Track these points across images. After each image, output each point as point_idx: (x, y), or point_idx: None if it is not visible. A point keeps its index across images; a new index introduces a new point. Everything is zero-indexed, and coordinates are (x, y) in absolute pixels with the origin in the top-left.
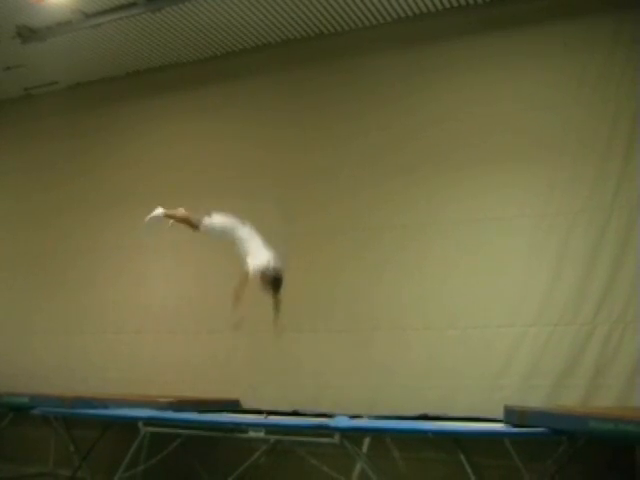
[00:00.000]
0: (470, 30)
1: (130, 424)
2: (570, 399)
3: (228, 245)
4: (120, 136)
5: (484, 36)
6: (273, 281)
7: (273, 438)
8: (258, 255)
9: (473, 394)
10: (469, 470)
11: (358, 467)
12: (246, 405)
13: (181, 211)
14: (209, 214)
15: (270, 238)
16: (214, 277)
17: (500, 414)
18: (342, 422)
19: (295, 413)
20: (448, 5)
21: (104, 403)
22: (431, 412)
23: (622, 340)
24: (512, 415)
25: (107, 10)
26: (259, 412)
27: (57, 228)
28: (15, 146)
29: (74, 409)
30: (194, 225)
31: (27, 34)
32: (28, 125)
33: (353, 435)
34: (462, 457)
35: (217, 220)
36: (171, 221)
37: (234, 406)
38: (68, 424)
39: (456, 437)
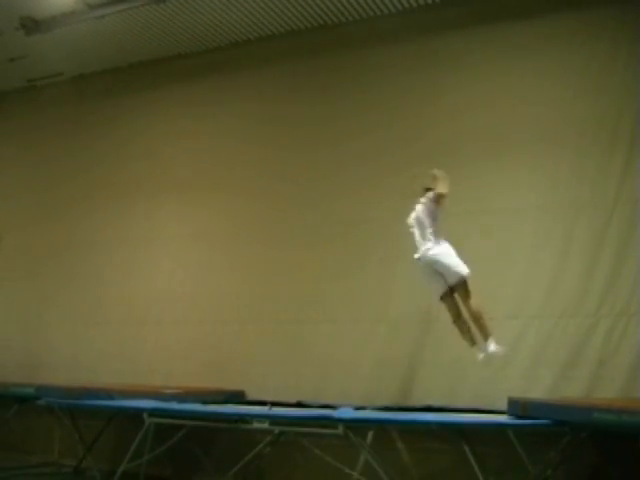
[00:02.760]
0: (473, 22)
1: (135, 415)
2: (573, 391)
3: (230, 239)
4: (124, 127)
5: (487, 29)
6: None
7: (277, 429)
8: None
9: (477, 385)
10: (473, 461)
11: (362, 458)
12: (250, 396)
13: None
14: None
15: (272, 232)
16: (218, 269)
17: (504, 405)
18: (346, 413)
19: (299, 404)
20: None
21: (109, 394)
22: (435, 403)
23: (625, 332)
24: (516, 406)
25: (111, 1)
26: (263, 403)
27: (62, 220)
28: (19, 137)
29: (79, 400)
30: None
31: (31, 25)
32: (32, 116)
33: (357, 426)
34: (466, 448)
35: None
36: None
37: (238, 397)
38: (73, 414)
39: (460, 428)
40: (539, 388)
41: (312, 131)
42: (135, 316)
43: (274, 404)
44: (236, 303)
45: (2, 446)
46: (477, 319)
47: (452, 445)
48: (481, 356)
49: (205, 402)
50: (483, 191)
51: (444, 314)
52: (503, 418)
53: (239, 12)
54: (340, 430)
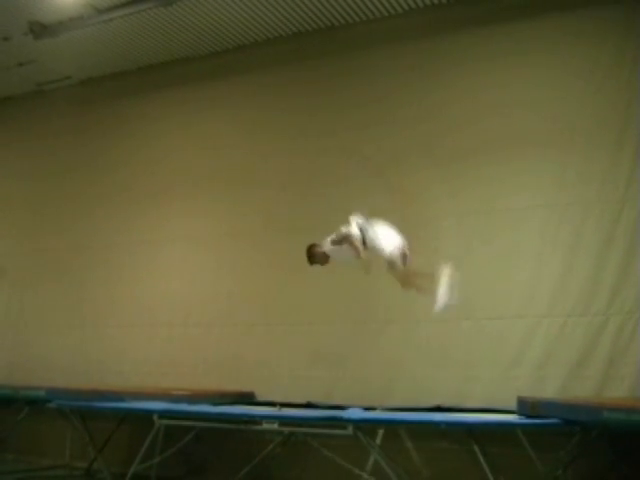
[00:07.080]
0: (482, 20)
1: (145, 417)
2: (583, 390)
3: (240, 241)
4: (133, 130)
5: (495, 25)
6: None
7: (287, 430)
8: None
9: (486, 385)
10: (483, 461)
11: (372, 458)
12: (260, 397)
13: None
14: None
15: (282, 235)
16: (227, 271)
17: (513, 405)
18: (355, 414)
19: (309, 405)
20: None
21: (120, 396)
22: (445, 403)
23: (635, 331)
24: (525, 406)
25: (118, 5)
26: (273, 404)
27: (71, 224)
28: (28, 142)
29: (90, 402)
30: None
31: (39, 30)
32: (40, 120)
33: (366, 427)
34: (476, 448)
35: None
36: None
37: (248, 398)
38: (84, 417)
39: (469, 428)
40: (549, 387)
41: (320, 129)
42: (145, 318)
43: (283, 405)
44: (246, 305)
45: (13, 449)
46: None
47: (462, 445)
48: None
49: (215, 403)
50: (491, 191)
51: (449, 315)
52: (513, 418)
53: (246, 15)
54: (350, 431)
